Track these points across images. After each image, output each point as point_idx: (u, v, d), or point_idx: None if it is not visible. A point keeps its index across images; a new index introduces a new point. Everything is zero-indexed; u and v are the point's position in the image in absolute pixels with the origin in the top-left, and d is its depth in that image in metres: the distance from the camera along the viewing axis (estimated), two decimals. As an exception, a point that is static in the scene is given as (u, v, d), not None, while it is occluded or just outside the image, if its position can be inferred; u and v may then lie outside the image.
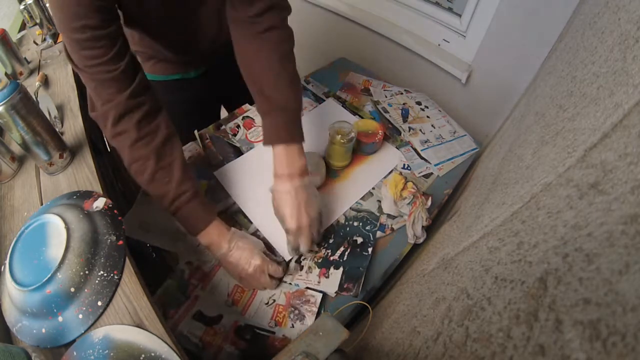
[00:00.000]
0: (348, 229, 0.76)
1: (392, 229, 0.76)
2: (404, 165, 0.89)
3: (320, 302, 0.65)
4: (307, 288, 0.67)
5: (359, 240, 0.73)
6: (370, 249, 0.72)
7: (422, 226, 0.74)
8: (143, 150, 0.59)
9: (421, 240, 0.74)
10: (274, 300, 0.65)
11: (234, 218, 0.77)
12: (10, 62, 0.94)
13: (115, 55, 0.55)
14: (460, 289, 0.36)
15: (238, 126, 0.96)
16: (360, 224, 0.76)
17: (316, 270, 0.69)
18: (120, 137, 0.59)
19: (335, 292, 0.67)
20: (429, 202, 0.78)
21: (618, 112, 0.26)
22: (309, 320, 0.63)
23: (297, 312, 0.64)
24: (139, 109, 0.59)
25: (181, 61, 0.90)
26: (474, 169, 0.92)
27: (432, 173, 0.88)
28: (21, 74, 0.97)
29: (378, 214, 0.78)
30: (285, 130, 0.68)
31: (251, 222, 0.76)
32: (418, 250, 0.79)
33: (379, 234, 0.75)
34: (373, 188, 0.83)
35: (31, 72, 0.99)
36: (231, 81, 0.98)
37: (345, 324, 0.60)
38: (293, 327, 0.62)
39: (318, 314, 0.64)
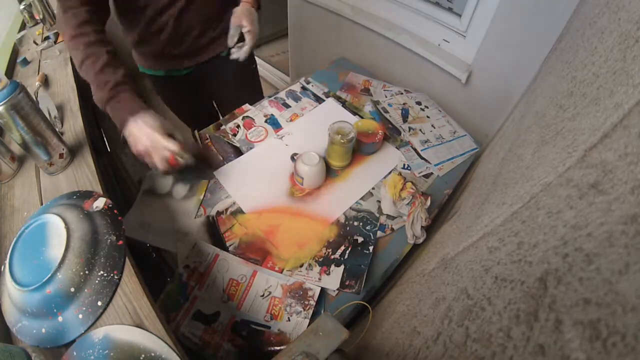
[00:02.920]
0: (348, 228, 0.76)
1: (392, 229, 0.76)
2: (404, 165, 0.89)
3: (319, 297, 0.64)
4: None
5: (360, 239, 0.74)
6: (371, 248, 0.72)
7: (422, 226, 0.73)
8: (98, 49, 0.70)
9: (421, 241, 0.73)
10: (270, 293, 0.65)
11: (234, 218, 0.77)
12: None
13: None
14: (460, 289, 0.36)
15: (238, 126, 0.96)
16: (361, 223, 0.76)
17: (317, 268, 0.69)
18: (80, 38, 0.70)
19: (337, 289, 0.67)
20: (428, 202, 0.78)
21: (618, 112, 0.26)
22: (307, 314, 0.63)
23: (293, 305, 0.63)
24: (97, 23, 0.73)
25: (168, 57, 0.96)
26: (474, 169, 0.92)
27: (432, 173, 0.88)
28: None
29: (378, 214, 0.78)
30: None
31: (251, 222, 0.76)
32: (418, 250, 0.79)
33: (379, 234, 0.75)
34: (373, 188, 0.83)
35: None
36: (218, 82, 1.08)
37: (345, 324, 0.60)
38: (289, 320, 0.62)
39: (316, 308, 0.63)
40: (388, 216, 0.78)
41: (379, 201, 0.81)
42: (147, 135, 0.68)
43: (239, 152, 0.90)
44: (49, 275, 0.47)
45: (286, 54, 2.03)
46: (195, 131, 0.93)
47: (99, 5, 0.74)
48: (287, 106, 1.03)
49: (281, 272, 0.68)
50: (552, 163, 0.34)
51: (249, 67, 1.13)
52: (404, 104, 1.05)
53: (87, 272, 0.50)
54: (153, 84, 1.06)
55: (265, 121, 0.98)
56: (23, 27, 1.26)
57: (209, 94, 1.17)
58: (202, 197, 0.79)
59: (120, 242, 0.54)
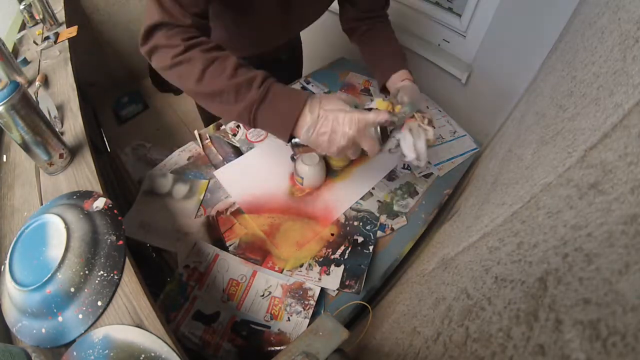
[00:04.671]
0: (348, 228, 0.76)
1: (392, 229, 0.76)
2: (404, 165, 0.89)
3: (319, 297, 0.64)
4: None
5: (360, 239, 0.74)
6: (371, 247, 0.72)
7: (426, 144, 0.63)
8: (220, 53, 0.59)
9: (422, 164, 0.63)
10: (270, 293, 0.65)
11: (234, 218, 0.77)
12: (8, 76, 0.92)
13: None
14: (460, 289, 0.36)
15: (238, 126, 0.96)
16: (361, 223, 0.76)
17: (317, 268, 0.69)
18: (194, 48, 0.58)
19: (337, 289, 0.67)
20: (426, 122, 0.68)
21: (618, 112, 0.26)
22: (306, 314, 0.63)
23: (293, 305, 0.63)
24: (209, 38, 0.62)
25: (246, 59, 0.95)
26: (474, 169, 0.92)
27: (432, 173, 0.88)
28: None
29: (378, 214, 0.78)
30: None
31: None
32: (418, 250, 0.79)
33: (379, 233, 0.75)
34: (373, 188, 0.83)
35: (30, 83, 0.96)
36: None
37: (345, 324, 0.60)
38: (289, 320, 0.62)
39: (316, 308, 0.63)
40: (388, 216, 0.78)
41: (379, 201, 0.81)
42: (345, 122, 0.55)
43: (239, 152, 0.90)
44: (49, 275, 0.47)
45: (286, 54, 2.02)
46: (196, 131, 0.93)
47: (205, 22, 0.63)
48: (287, 106, 1.02)
49: (281, 272, 0.68)
50: (552, 163, 0.34)
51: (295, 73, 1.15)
52: (404, 104, 1.05)
53: (87, 272, 0.50)
54: None
55: (265, 121, 0.98)
56: (23, 27, 1.26)
57: None
58: (202, 197, 0.79)
59: (120, 242, 0.54)
